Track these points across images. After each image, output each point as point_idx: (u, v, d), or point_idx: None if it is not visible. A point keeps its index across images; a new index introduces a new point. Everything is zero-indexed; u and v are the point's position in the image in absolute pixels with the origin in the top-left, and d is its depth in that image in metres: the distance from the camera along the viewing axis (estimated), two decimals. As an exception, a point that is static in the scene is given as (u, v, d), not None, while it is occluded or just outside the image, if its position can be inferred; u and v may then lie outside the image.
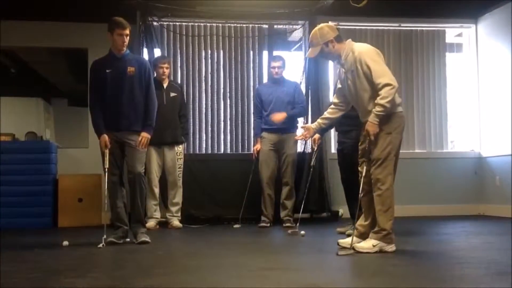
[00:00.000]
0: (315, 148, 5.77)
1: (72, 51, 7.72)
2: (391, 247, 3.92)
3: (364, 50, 4.02)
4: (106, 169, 4.63)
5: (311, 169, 5.87)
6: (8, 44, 7.18)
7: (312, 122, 6.75)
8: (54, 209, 6.69)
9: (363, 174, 4.07)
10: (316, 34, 4.08)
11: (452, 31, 7.97)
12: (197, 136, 7.17)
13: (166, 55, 6.98)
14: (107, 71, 4.70)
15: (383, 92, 3.85)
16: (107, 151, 4.63)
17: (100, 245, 4.41)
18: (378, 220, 3.94)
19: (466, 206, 7.46)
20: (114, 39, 4.68)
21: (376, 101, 3.90)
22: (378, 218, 3.94)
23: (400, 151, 4.07)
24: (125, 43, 4.69)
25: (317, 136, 5.62)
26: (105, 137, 4.64)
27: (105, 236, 4.50)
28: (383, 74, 3.91)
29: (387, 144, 3.93)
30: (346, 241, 4.07)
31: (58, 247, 4.53)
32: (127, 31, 4.68)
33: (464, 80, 7.90)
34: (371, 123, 3.93)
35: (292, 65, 7.22)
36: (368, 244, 3.91)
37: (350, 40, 4.14)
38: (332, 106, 4.35)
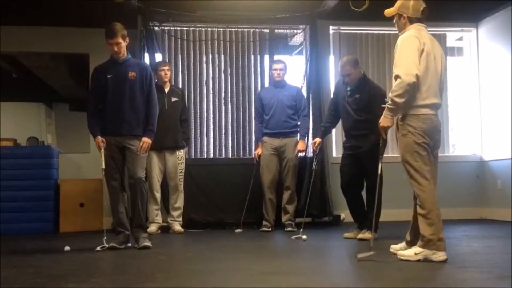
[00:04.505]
0: (316, 152, 5.74)
1: (74, 56, 7.75)
2: (437, 256, 3.63)
3: (403, 36, 3.86)
4: (102, 170, 4.65)
5: (313, 173, 5.86)
6: (10, 49, 7.21)
7: (313, 125, 6.80)
8: (56, 214, 6.68)
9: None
10: (407, 2, 3.91)
11: (453, 35, 7.97)
12: (199, 140, 7.16)
13: (167, 60, 7.00)
14: (108, 76, 4.71)
15: (393, 85, 3.76)
16: (102, 151, 4.64)
17: (98, 248, 4.42)
18: (420, 226, 3.73)
19: (467, 210, 7.45)
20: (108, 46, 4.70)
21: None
22: (420, 224, 3.72)
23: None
24: (117, 51, 4.69)
25: (318, 140, 5.61)
26: (99, 138, 4.66)
27: (105, 238, 4.50)
28: (399, 64, 3.75)
29: (403, 146, 3.81)
30: (398, 248, 3.96)
31: (59, 252, 4.52)
32: (116, 40, 4.63)
33: (465, 84, 7.90)
34: (383, 117, 3.84)
35: (293, 70, 7.24)
36: (410, 252, 3.74)
37: (419, 25, 3.90)
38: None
